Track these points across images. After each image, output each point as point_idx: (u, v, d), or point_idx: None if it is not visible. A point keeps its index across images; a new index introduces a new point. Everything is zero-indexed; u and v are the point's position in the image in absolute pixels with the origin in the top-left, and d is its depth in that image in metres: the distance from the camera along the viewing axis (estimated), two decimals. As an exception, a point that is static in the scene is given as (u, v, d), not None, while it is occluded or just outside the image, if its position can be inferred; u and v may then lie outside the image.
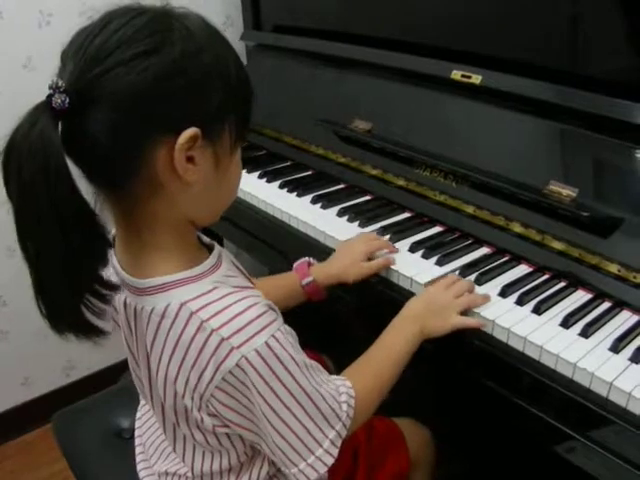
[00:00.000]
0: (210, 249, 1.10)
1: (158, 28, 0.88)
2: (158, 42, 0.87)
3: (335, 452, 1.06)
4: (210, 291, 0.98)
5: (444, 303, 1.31)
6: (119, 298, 1.06)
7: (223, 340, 0.94)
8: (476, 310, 1.32)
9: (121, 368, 2.09)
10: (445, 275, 1.42)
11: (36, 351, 2.60)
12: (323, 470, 1.05)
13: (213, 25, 0.97)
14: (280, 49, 2.29)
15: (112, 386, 1.81)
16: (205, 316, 0.95)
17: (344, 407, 1.08)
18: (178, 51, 0.87)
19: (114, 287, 0.96)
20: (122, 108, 0.85)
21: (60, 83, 0.83)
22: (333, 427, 1.05)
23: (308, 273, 1.50)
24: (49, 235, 0.85)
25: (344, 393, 1.10)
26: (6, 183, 0.84)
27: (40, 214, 0.83)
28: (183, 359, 0.98)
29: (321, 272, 1.51)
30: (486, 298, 1.34)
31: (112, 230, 1.06)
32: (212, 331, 0.94)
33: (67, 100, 0.83)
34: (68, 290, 0.90)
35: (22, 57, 2.21)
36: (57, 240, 0.85)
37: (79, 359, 2.76)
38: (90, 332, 0.96)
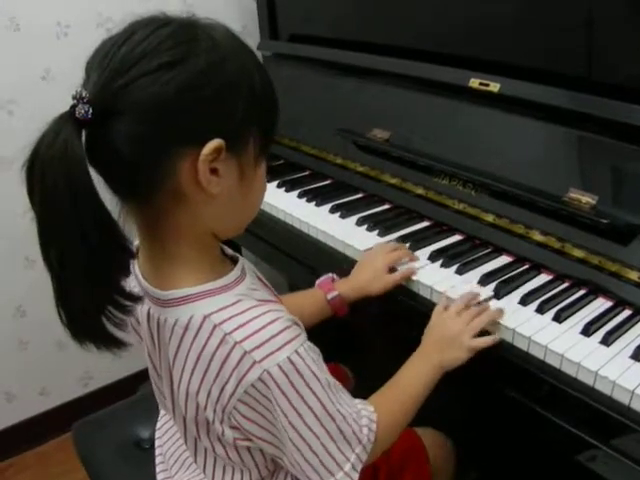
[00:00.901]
0: (234, 261, 1.10)
1: (183, 39, 0.88)
2: (183, 53, 0.86)
3: (356, 476, 1.05)
4: (234, 304, 0.98)
5: (456, 332, 1.29)
6: (142, 309, 1.06)
7: (246, 353, 0.93)
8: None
9: (139, 378, 2.10)
10: (463, 295, 1.39)
11: (54, 361, 2.62)
12: None
13: (238, 36, 0.96)
14: (297, 58, 2.29)
15: (132, 396, 1.81)
16: (228, 329, 0.95)
17: (365, 430, 1.06)
18: (203, 62, 0.87)
19: (135, 298, 0.95)
20: (146, 119, 0.85)
21: (84, 94, 0.83)
22: (353, 450, 1.04)
23: (333, 288, 1.50)
24: (71, 243, 0.84)
25: (365, 417, 1.08)
26: (30, 190, 0.84)
27: (62, 220, 0.83)
28: (205, 371, 0.98)
29: (345, 286, 1.51)
30: (499, 312, 1.33)
31: (135, 241, 1.06)
32: (235, 344, 0.94)
33: (90, 111, 0.83)
34: (89, 300, 0.90)
35: (40, 68, 2.23)
36: (79, 248, 0.85)
37: (97, 369, 2.77)
38: (110, 343, 0.95)
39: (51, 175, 0.82)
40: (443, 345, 1.29)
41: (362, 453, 1.06)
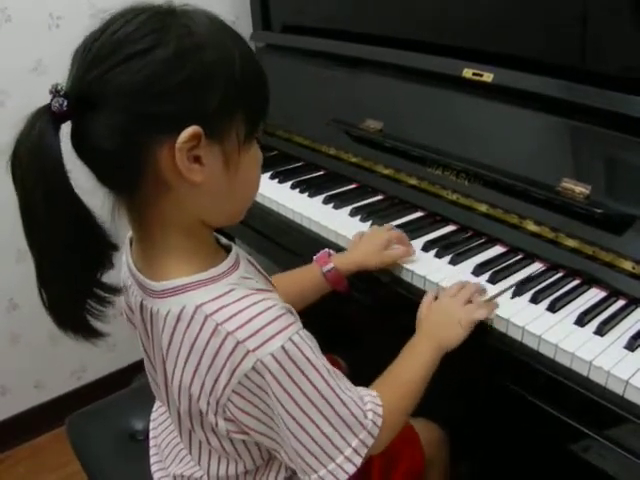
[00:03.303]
0: (228, 250, 1.09)
1: (155, 27, 0.87)
2: (154, 40, 0.86)
3: (358, 461, 1.03)
4: (226, 293, 0.97)
5: (451, 312, 1.29)
6: (135, 300, 1.06)
7: (238, 343, 0.93)
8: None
9: (132, 371, 2.09)
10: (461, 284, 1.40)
11: (48, 354, 2.61)
12: (344, 478, 1.03)
13: (221, 21, 0.95)
14: (290, 49, 2.29)
15: (125, 388, 1.81)
16: (220, 319, 0.94)
17: (369, 415, 1.05)
18: (172, 49, 0.86)
19: (115, 290, 0.96)
20: (120, 108, 0.86)
21: (60, 87, 0.85)
22: (356, 435, 1.03)
23: (329, 261, 1.49)
24: (48, 235, 0.86)
25: (369, 402, 1.07)
26: (14, 181, 0.86)
27: (40, 214, 0.85)
28: (198, 363, 0.97)
29: (342, 260, 1.50)
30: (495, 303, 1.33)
31: (129, 232, 1.07)
32: (227, 334, 0.93)
33: (65, 103, 0.84)
34: (67, 292, 0.92)
35: (32, 60, 2.22)
36: (55, 241, 0.87)
37: (91, 362, 2.76)
38: (89, 334, 0.96)
39: (28, 169, 0.84)
40: (440, 325, 1.28)
41: (367, 438, 1.04)
